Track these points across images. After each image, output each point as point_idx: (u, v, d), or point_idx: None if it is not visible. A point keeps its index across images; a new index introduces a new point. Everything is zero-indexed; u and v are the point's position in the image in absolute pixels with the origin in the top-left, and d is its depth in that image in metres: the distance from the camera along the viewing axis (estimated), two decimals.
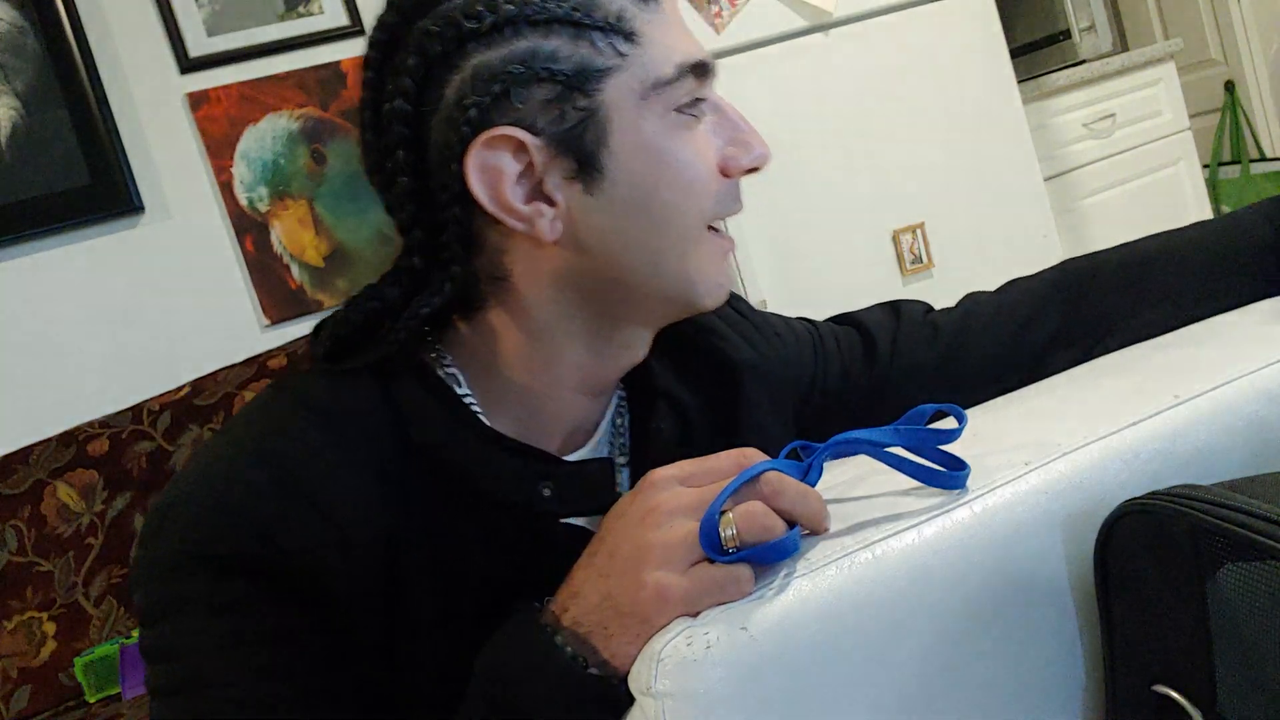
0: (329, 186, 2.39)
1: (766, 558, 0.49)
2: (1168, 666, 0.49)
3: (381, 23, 0.63)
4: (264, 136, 2.32)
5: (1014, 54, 2.26)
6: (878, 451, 0.55)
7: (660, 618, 0.49)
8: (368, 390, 0.64)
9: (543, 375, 0.67)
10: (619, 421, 0.73)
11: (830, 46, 2.02)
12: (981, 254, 2.10)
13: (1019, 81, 2.25)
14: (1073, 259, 0.85)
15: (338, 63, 2.39)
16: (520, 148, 0.60)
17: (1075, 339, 0.81)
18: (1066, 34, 2.62)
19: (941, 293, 1.91)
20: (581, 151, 0.61)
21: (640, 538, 0.51)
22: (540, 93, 0.60)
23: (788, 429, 0.80)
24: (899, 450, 0.55)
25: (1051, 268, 0.85)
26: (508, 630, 0.55)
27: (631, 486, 0.70)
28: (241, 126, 2.29)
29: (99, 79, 2.11)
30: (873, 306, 0.88)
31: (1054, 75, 2.51)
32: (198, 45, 2.24)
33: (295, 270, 2.35)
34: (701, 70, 0.64)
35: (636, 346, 0.69)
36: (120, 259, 2.12)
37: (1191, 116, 2.65)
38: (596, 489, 0.68)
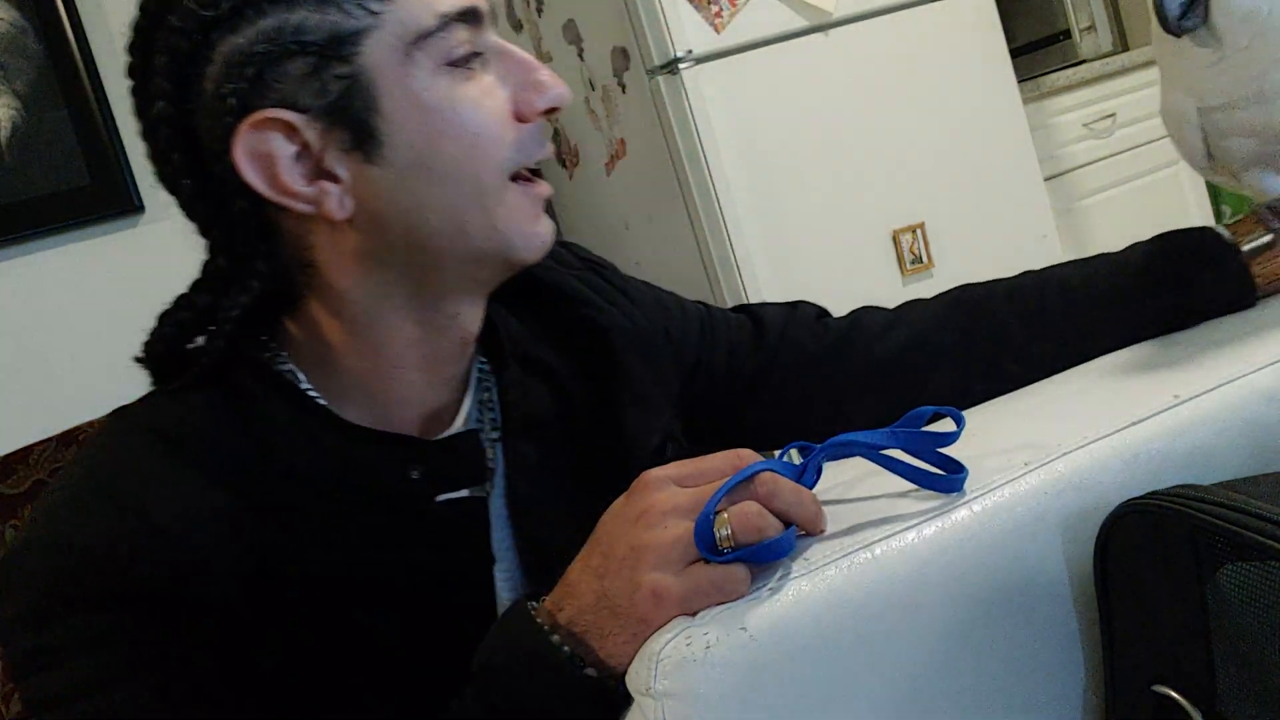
0: None
1: (762, 557, 0.49)
2: (1168, 666, 0.49)
3: (133, 27, 0.61)
4: None
5: (1014, 54, 2.26)
6: (874, 454, 0.55)
7: (657, 618, 0.49)
8: (207, 404, 0.63)
9: (378, 360, 0.65)
10: (486, 397, 0.72)
11: (830, 46, 2.02)
12: (981, 254, 2.10)
13: (1019, 81, 2.24)
14: (971, 285, 0.85)
15: None
16: (290, 128, 0.58)
17: (963, 363, 0.81)
18: (1066, 34, 2.62)
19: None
20: (354, 121, 0.59)
21: (635, 538, 0.51)
22: (296, 68, 0.58)
23: (673, 401, 0.80)
24: (896, 452, 0.55)
25: (950, 290, 0.85)
26: (503, 628, 0.55)
27: (505, 460, 0.69)
28: None
29: (99, 79, 2.10)
30: (768, 303, 0.89)
31: (1054, 75, 2.51)
32: None
33: None
34: (471, 16, 0.61)
35: (468, 315, 0.67)
36: (120, 259, 2.11)
37: None
38: (466, 463, 0.67)
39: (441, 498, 0.66)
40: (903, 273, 2.07)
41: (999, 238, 2.14)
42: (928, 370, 0.81)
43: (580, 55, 2.13)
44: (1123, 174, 2.55)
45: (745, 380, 0.83)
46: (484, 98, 0.61)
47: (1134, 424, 0.57)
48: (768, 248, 1.94)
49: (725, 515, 0.49)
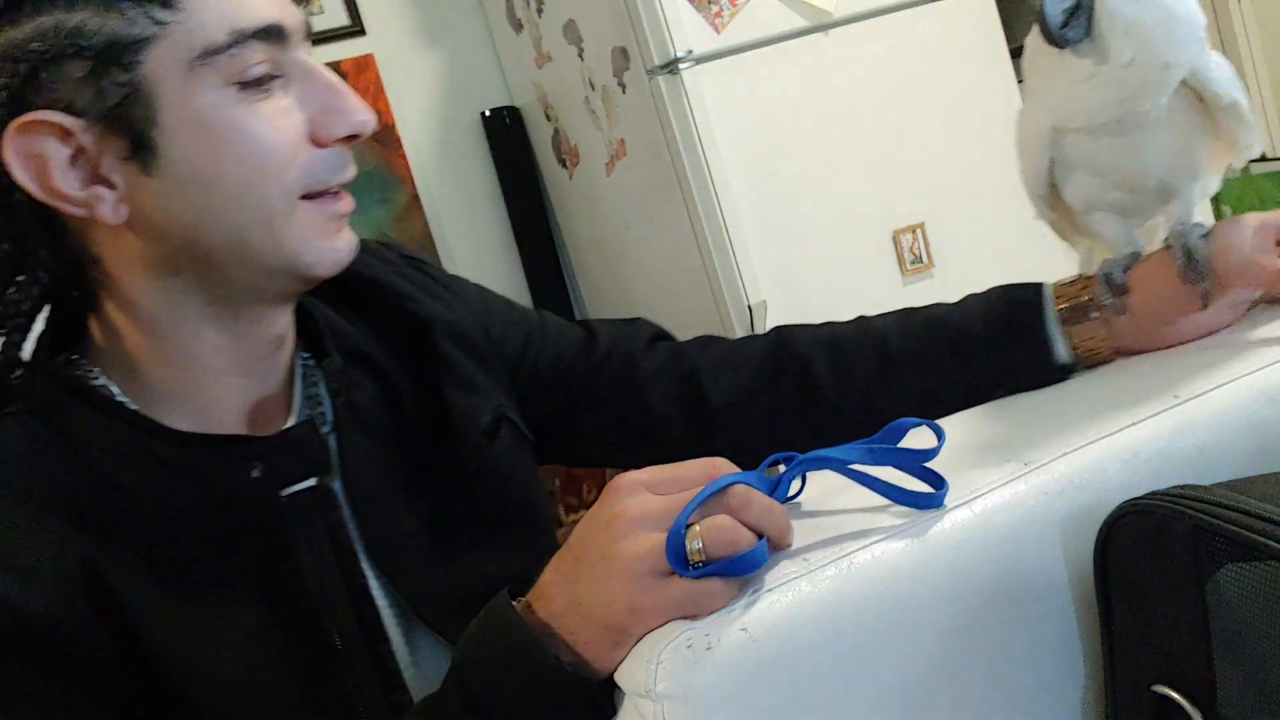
0: None
1: (733, 571, 0.49)
2: (1168, 666, 0.49)
3: None
4: None
5: (1014, 54, 2.25)
6: (851, 472, 0.54)
7: (636, 630, 0.49)
8: (26, 433, 0.62)
9: (186, 366, 0.65)
10: (314, 392, 0.72)
11: (830, 46, 2.02)
12: (981, 254, 2.10)
13: (1019, 81, 2.24)
14: (801, 329, 0.86)
15: (338, 63, 2.39)
16: (64, 132, 0.57)
17: (776, 411, 0.82)
18: None
19: (942, 293, 1.91)
20: (131, 130, 0.58)
21: (606, 546, 0.50)
22: (73, 70, 0.56)
23: (502, 389, 0.81)
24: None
25: (779, 331, 0.86)
26: (486, 622, 0.55)
27: (340, 450, 0.69)
28: None
29: None
30: (606, 319, 0.90)
31: None
32: None
33: None
34: (274, 34, 0.60)
35: (271, 321, 0.67)
36: None
37: None
38: (307, 453, 0.66)
39: (286, 491, 0.65)
40: (903, 273, 2.06)
41: (999, 238, 2.14)
42: (743, 412, 0.82)
43: (580, 55, 2.13)
44: None
45: (574, 385, 0.84)
46: (277, 119, 0.60)
47: (1134, 424, 0.57)
48: (768, 248, 1.94)
49: (697, 528, 0.49)
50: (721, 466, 0.53)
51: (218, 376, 0.66)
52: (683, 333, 0.91)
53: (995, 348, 0.76)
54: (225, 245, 0.61)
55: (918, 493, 0.53)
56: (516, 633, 0.52)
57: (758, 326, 1.92)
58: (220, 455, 0.64)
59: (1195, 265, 0.69)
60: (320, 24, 2.37)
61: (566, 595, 0.51)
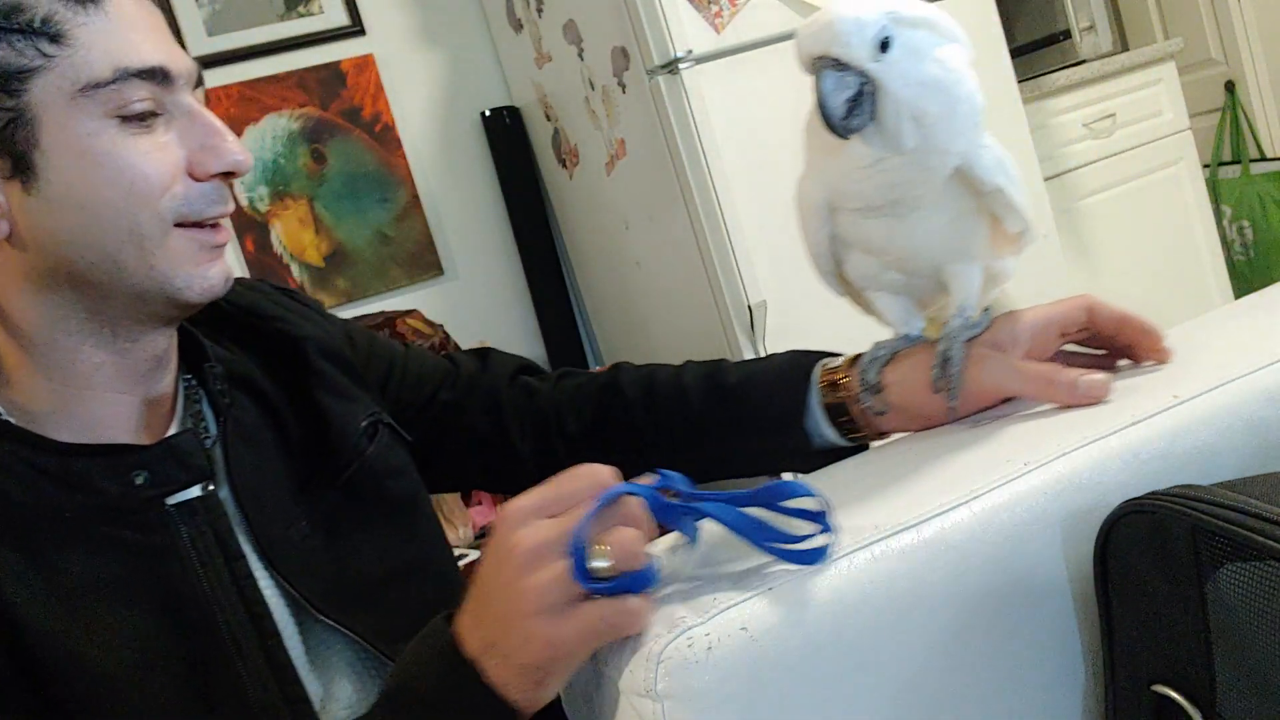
0: (329, 186, 2.39)
1: (637, 587, 0.48)
2: (1168, 666, 0.49)
3: None
4: (264, 136, 2.32)
5: (1014, 54, 2.25)
6: (728, 522, 0.51)
7: (558, 668, 0.50)
8: None
9: (65, 380, 0.67)
10: (196, 409, 0.74)
11: None
12: None
13: (1019, 81, 2.24)
14: (627, 370, 0.88)
15: (338, 62, 2.39)
16: None
17: (604, 449, 0.82)
18: (1066, 34, 2.61)
19: None
20: (14, 151, 0.61)
21: (510, 584, 0.50)
22: None
23: (374, 398, 0.84)
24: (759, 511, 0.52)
25: (613, 369, 0.89)
26: (417, 648, 0.55)
27: (226, 459, 0.71)
28: (241, 126, 2.29)
29: None
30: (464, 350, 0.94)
31: (1054, 75, 2.50)
32: (198, 45, 2.24)
33: (295, 270, 2.35)
34: (157, 75, 0.63)
35: (150, 341, 0.69)
36: None
37: (1191, 116, 2.65)
38: (188, 459, 0.68)
39: (172, 500, 0.67)
40: None
41: None
42: (581, 454, 0.85)
43: (580, 55, 2.13)
44: (1123, 174, 2.55)
45: (437, 414, 0.88)
46: (154, 152, 0.64)
47: (1134, 424, 0.57)
48: (768, 248, 1.94)
49: (605, 547, 0.48)
50: (602, 474, 0.52)
51: (99, 392, 0.68)
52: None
53: (765, 429, 0.79)
54: (100, 265, 0.64)
55: (796, 551, 0.50)
56: (450, 660, 0.52)
57: (758, 327, 1.93)
58: (102, 464, 0.65)
59: (948, 376, 0.67)
60: (320, 24, 2.37)
61: (481, 638, 0.51)
